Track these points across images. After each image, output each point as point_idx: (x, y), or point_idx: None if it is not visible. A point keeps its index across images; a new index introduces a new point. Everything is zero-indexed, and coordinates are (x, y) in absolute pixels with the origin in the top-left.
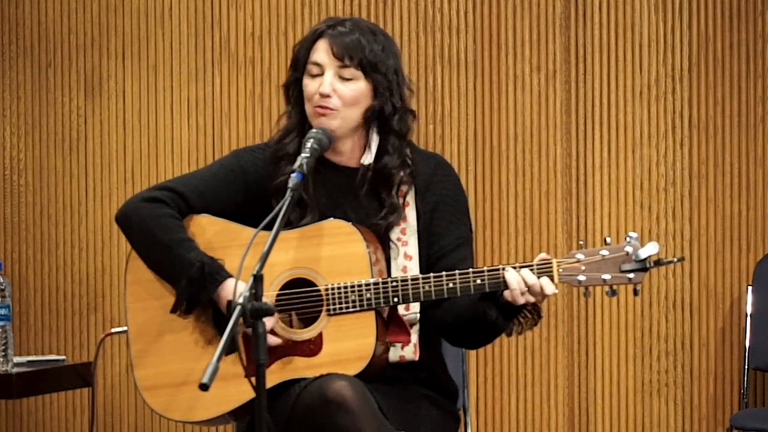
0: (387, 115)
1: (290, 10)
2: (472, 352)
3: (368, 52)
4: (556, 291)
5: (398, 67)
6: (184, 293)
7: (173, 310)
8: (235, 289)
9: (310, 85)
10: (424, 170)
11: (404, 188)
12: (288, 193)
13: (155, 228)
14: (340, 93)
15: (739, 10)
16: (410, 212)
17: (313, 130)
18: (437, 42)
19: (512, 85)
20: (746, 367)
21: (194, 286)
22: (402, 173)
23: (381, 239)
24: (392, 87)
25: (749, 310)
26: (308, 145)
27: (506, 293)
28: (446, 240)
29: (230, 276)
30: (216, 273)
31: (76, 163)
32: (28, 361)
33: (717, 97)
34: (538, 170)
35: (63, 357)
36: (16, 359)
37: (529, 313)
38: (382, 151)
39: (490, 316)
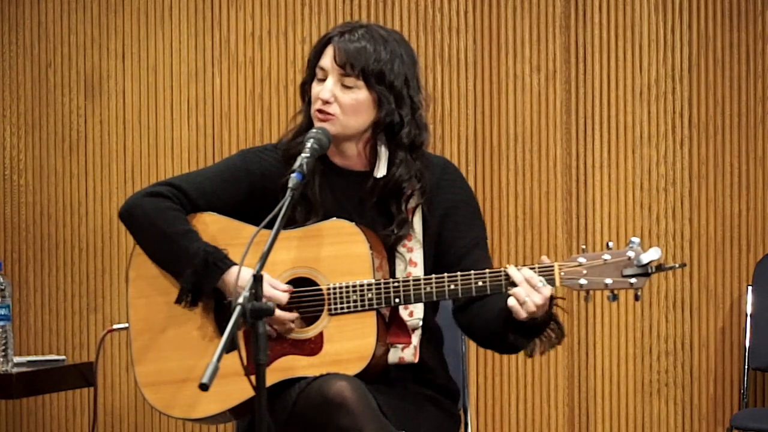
0: (394, 127)
1: (290, 10)
2: (472, 352)
3: (372, 62)
4: (552, 289)
5: (411, 76)
6: (188, 283)
7: (178, 301)
8: (237, 276)
9: (314, 88)
10: (431, 176)
11: (409, 193)
12: (288, 193)
13: (158, 220)
14: (340, 101)
15: (739, 10)
16: (416, 219)
17: (313, 130)
18: (437, 42)
19: (512, 85)
20: (746, 367)
21: (199, 275)
22: (412, 186)
23: (388, 252)
24: (401, 98)
25: (749, 310)
26: (308, 144)
27: (509, 302)
28: (462, 242)
29: (234, 264)
30: (220, 261)
31: (76, 163)
32: (28, 361)
33: (717, 97)
34: (538, 170)
35: (63, 357)
36: (16, 359)
37: (552, 331)
38: (391, 164)
39: (509, 338)
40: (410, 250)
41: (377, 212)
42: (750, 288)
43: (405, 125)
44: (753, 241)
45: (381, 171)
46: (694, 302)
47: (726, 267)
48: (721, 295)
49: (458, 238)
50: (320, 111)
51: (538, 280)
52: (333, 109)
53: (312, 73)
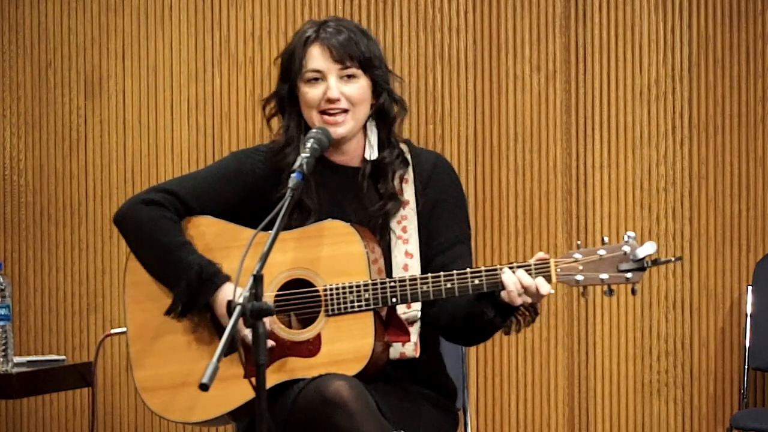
0: (386, 107)
1: (290, 10)
2: (472, 352)
3: (363, 48)
4: (552, 291)
5: (384, 59)
6: (181, 297)
7: (167, 313)
8: (234, 292)
9: (311, 92)
10: (423, 167)
11: (404, 185)
12: (288, 194)
13: (153, 231)
14: (346, 94)
15: (739, 10)
16: (410, 209)
17: (313, 130)
18: (437, 42)
19: (512, 85)
20: (746, 367)
21: (191, 289)
22: (396, 161)
23: (380, 230)
24: (387, 79)
25: (749, 310)
26: (308, 145)
27: (503, 294)
28: (444, 237)
29: (227, 280)
30: (214, 276)
31: (76, 163)
32: (28, 361)
33: (717, 97)
34: (538, 170)
35: (63, 357)
36: (16, 359)
37: (526, 311)
38: (382, 145)
39: (487, 315)
40: (406, 241)
41: (370, 194)
42: (750, 288)
43: (397, 103)
44: (753, 241)
45: (374, 153)
46: (694, 302)
47: (726, 267)
48: (721, 295)
49: (441, 232)
50: (328, 112)
51: (534, 287)
52: (343, 105)
53: (294, 80)
